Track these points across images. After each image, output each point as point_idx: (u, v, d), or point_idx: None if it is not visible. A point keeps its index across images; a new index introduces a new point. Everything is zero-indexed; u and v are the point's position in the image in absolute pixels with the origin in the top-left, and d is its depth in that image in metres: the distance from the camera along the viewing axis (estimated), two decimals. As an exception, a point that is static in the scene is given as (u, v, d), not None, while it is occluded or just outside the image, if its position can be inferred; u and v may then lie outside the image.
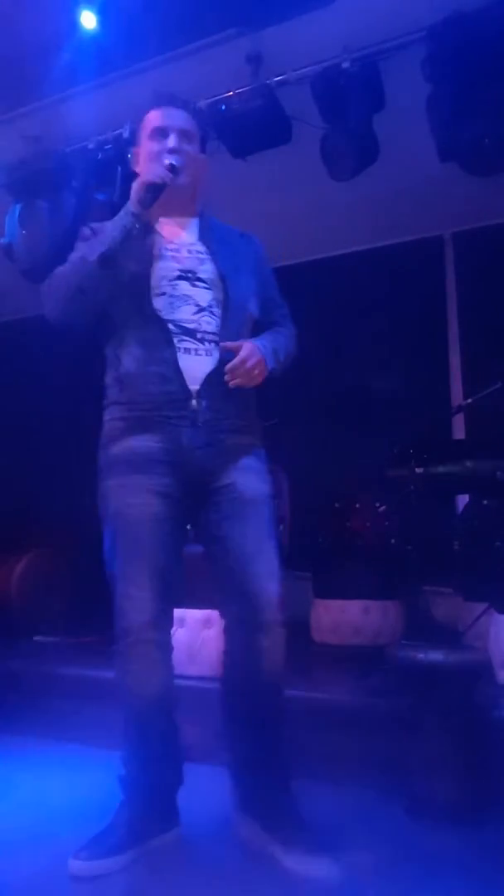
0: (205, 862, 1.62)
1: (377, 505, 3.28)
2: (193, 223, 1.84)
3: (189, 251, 1.77)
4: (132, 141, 3.43)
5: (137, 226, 1.67)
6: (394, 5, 2.85)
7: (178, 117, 1.80)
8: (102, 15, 2.99)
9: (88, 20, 3.00)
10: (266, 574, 1.65)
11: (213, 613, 2.13)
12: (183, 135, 1.78)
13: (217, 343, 1.71)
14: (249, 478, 1.71)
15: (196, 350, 1.70)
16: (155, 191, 1.65)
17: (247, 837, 1.65)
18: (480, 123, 2.86)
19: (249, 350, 1.67)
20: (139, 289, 1.71)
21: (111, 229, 1.70)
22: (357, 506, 3.41)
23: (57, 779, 2.20)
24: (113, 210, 3.59)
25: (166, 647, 1.70)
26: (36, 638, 3.66)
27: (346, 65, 3.03)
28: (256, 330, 1.83)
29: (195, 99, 3.28)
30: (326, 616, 3.41)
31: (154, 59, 3.17)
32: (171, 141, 1.76)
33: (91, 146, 3.61)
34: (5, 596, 3.78)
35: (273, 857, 1.56)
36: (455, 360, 4.32)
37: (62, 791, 2.08)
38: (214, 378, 1.68)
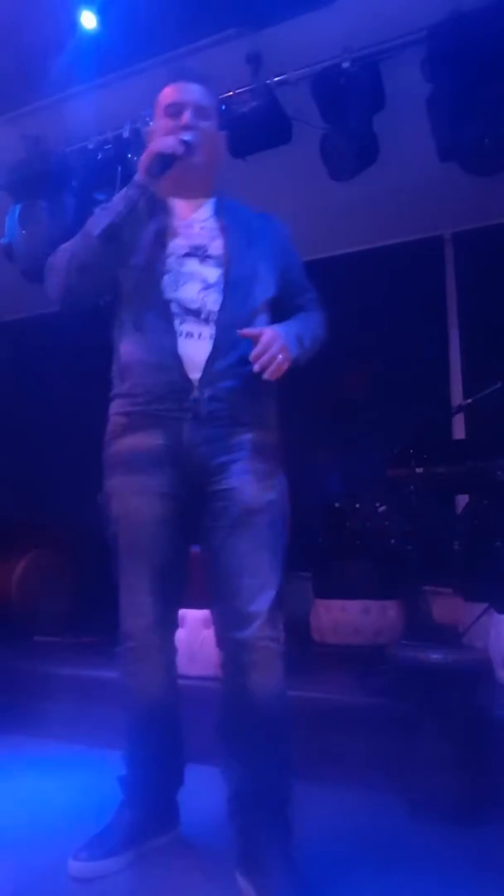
0: (203, 862, 1.62)
1: (377, 505, 3.28)
2: (209, 203, 1.73)
3: (202, 227, 1.67)
4: (132, 141, 3.47)
5: (143, 197, 1.59)
6: (394, 5, 2.85)
7: (193, 92, 1.69)
8: (102, 15, 2.98)
9: (88, 20, 3.00)
10: (253, 589, 1.50)
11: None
12: (199, 111, 1.68)
13: (216, 325, 1.57)
14: (251, 483, 1.55)
15: (199, 334, 1.57)
16: (164, 161, 1.56)
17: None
18: (480, 123, 2.86)
19: (271, 336, 1.52)
20: (147, 269, 1.61)
21: (116, 202, 1.62)
22: (357, 506, 3.41)
23: (57, 779, 2.19)
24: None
25: (168, 650, 1.67)
26: (36, 638, 3.66)
27: (346, 65, 3.03)
28: (278, 314, 1.71)
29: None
30: (326, 616, 3.41)
31: (154, 59, 3.17)
32: (186, 117, 1.66)
33: (91, 146, 3.61)
34: (5, 596, 3.78)
35: None
36: (455, 360, 4.32)
37: (62, 791, 2.08)
38: (215, 363, 1.55)
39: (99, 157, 3.59)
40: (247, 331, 1.54)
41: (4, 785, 2.16)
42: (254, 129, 3.23)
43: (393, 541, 3.11)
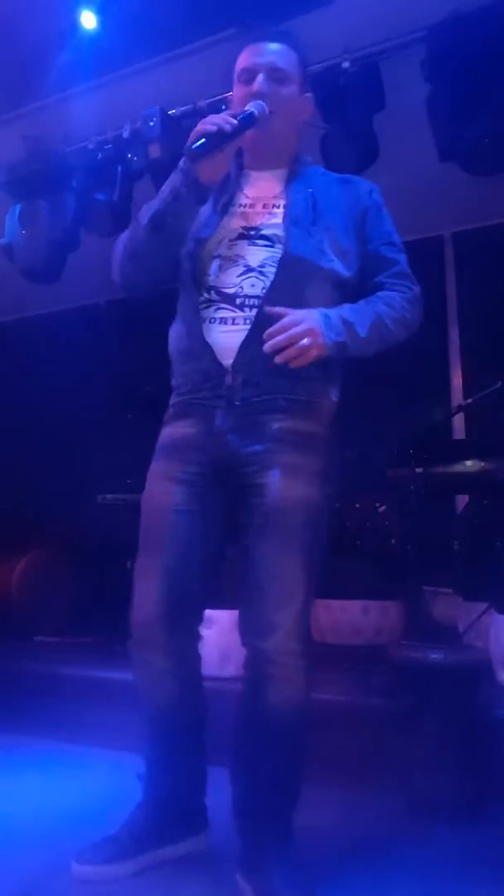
0: (204, 862, 1.62)
1: (377, 505, 3.28)
2: (283, 173, 1.59)
3: (265, 205, 1.54)
4: (132, 141, 3.47)
5: (186, 183, 1.46)
6: (394, 5, 2.85)
7: (268, 53, 1.54)
8: (102, 15, 2.99)
9: (88, 20, 3.00)
10: (280, 598, 1.42)
11: (214, 613, 2.12)
12: (273, 74, 1.53)
13: (258, 309, 1.45)
14: (286, 479, 1.43)
15: (233, 319, 1.47)
16: (207, 142, 1.39)
17: None
18: (480, 123, 2.86)
19: (296, 317, 1.38)
20: (195, 254, 1.53)
21: (163, 189, 1.52)
22: (357, 506, 3.41)
23: (57, 779, 2.19)
24: (112, 210, 3.60)
25: (181, 647, 1.54)
26: (36, 638, 3.66)
27: (346, 65, 3.03)
28: (354, 296, 1.55)
29: (196, 99, 3.31)
30: (326, 616, 3.41)
31: (154, 59, 3.18)
32: (257, 83, 1.51)
33: (91, 146, 3.61)
34: (5, 596, 3.78)
35: None
36: (455, 360, 4.32)
37: (62, 791, 2.08)
38: (250, 348, 1.43)
39: (99, 157, 3.59)
40: (272, 309, 1.41)
41: (4, 785, 2.16)
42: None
43: (393, 541, 3.11)
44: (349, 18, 2.92)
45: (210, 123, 1.40)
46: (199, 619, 1.58)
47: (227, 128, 1.40)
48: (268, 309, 1.41)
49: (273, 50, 1.55)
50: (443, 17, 2.81)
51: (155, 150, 3.31)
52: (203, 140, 1.39)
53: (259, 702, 1.44)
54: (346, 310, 1.48)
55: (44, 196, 3.70)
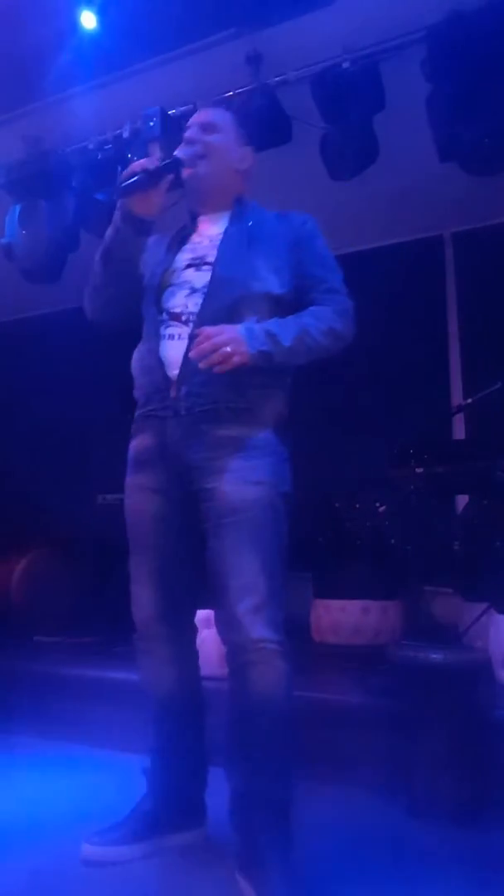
0: (205, 861, 1.62)
1: (377, 505, 3.28)
2: (227, 214, 1.77)
3: (211, 240, 1.73)
4: (132, 141, 3.47)
5: (122, 217, 1.65)
6: (394, 5, 2.85)
7: (202, 114, 1.82)
8: (102, 15, 2.98)
9: (88, 20, 2.99)
10: (239, 591, 1.50)
11: (213, 613, 2.13)
12: (203, 126, 1.76)
13: (194, 324, 1.61)
14: (233, 483, 1.54)
15: (179, 335, 1.62)
16: (130, 180, 1.59)
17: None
18: (480, 123, 2.86)
19: (219, 328, 1.51)
20: (150, 285, 1.72)
21: (109, 227, 1.70)
22: (357, 506, 3.41)
23: (57, 779, 2.20)
24: (112, 210, 3.60)
25: (180, 644, 1.70)
26: (36, 638, 3.66)
27: (346, 65, 3.03)
28: (289, 312, 1.66)
29: (196, 99, 3.31)
30: (326, 616, 3.41)
31: (154, 59, 3.17)
32: (188, 133, 1.77)
33: (91, 146, 3.61)
34: (5, 596, 3.78)
35: None
36: (455, 360, 4.32)
37: (62, 791, 2.08)
38: (191, 361, 1.55)
39: (99, 157, 3.59)
40: (202, 329, 1.53)
41: (4, 785, 2.16)
42: (254, 129, 3.21)
43: (393, 541, 3.11)
44: (349, 18, 2.92)
45: (137, 165, 1.61)
46: (193, 609, 1.74)
47: (150, 167, 1.60)
48: (198, 330, 1.54)
49: (206, 111, 1.84)
50: (443, 17, 2.81)
51: (155, 150, 3.31)
52: (131, 180, 1.59)
53: (244, 689, 1.51)
54: (271, 323, 1.60)
55: (44, 196, 3.71)
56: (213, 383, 1.55)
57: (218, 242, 1.71)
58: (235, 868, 1.48)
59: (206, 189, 1.76)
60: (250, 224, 1.73)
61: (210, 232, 1.76)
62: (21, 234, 3.77)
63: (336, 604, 3.38)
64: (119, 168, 3.49)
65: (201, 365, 1.50)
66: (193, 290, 1.65)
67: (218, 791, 1.65)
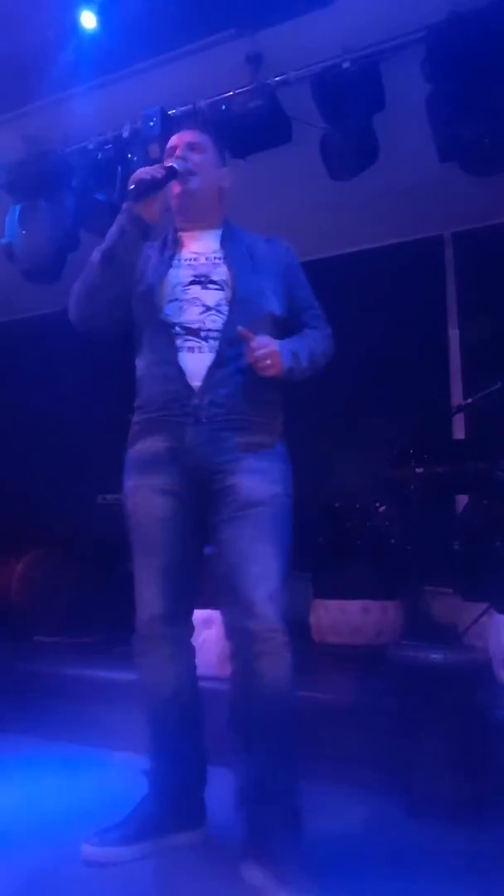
0: (208, 858, 1.62)
1: (377, 505, 3.28)
2: (216, 233, 1.87)
3: (207, 258, 1.81)
4: (132, 141, 3.47)
5: (130, 220, 1.72)
6: (394, 5, 2.85)
7: (186, 135, 1.89)
8: (102, 15, 2.99)
9: (88, 20, 3.00)
10: (257, 578, 1.59)
11: (214, 613, 2.13)
12: (190, 146, 1.85)
13: (219, 340, 1.71)
14: (252, 480, 1.66)
15: (199, 348, 1.71)
16: (141, 185, 1.68)
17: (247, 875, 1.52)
18: (480, 123, 2.86)
19: (263, 340, 1.68)
20: (149, 296, 1.77)
21: (111, 230, 1.76)
22: (357, 506, 3.41)
23: (57, 779, 2.20)
24: (112, 210, 3.60)
25: (180, 643, 1.74)
26: (36, 638, 3.66)
27: (346, 65, 3.03)
28: (283, 331, 1.82)
29: (196, 99, 3.32)
30: (326, 616, 3.41)
31: (154, 59, 3.18)
32: (178, 151, 1.85)
33: (91, 146, 3.61)
34: (5, 596, 3.78)
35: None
36: (455, 360, 4.32)
37: (62, 791, 2.08)
38: (215, 373, 1.69)
39: (99, 157, 3.59)
40: (244, 330, 1.68)
41: (4, 785, 2.16)
42: (254, 129, 3.23)
43: (393, 541, 3.11)
44: (349, 18, 2.92)
45: (144, 173, 1.70)
46: (191, 609, 1.78)
47: (158, 175, 1.71)
48: (240, 328, 1.68)
49: (189, 132, 1.90)
50: (443, 17, 2.81)
51: (155, 150, 3.31)
52: (140, 185, 1.69)
53: (253, 681, 1.57)
54: (292, 342, 1.78)
55: (44, 196, 3.70)
56: (234, 396, 1.70)
57: (215, 260, 1.80)
58: (242, 858, 1.51)
59: (195, 205, 1.85)
60: (245, 247, 1.85)
61: (202, 248, 1.83)
62: (21, 234, 3.77)
63: (336, 604, 3.38)
64: (119, 168, 3.50)
65: (250, 360, 1.66)
66: (207, 308, 1.74)
67: (217, 791, 1.66)
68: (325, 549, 3.49)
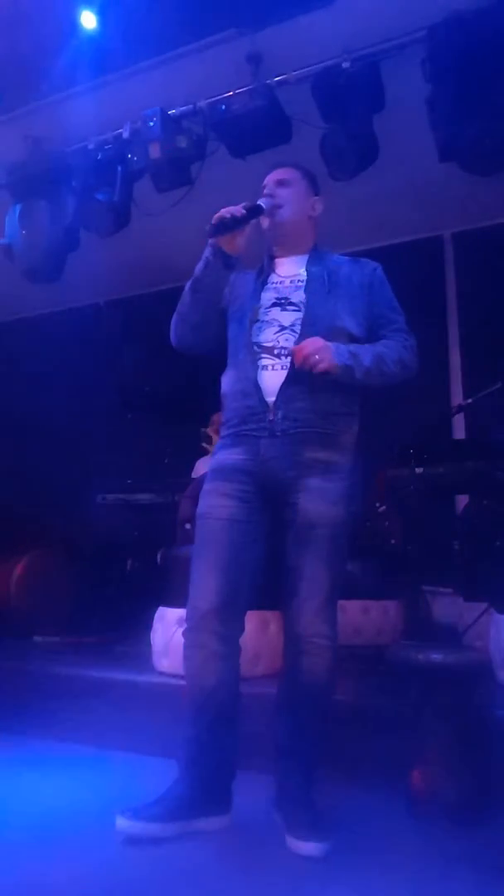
0: (215, 856, 1.62)
1: (377, 505, 3.28)
2: (303, 258, 1.98)
3: (291, 281, 1.94)
4: (132, 141, 3.47)
5: (213, 253, 1.86)
6: (394, 5, 2.85)
7: (276, 173, 2.01)
8: (102, 15, 2.99)
9: (88, 20, 3.00)
10: (309, 591, 1.76)
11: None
12: (279, 182, 1.98)
13: (292, 357, 1.80)
14: (314, 499, 1.77)
15: (273, 366, 1.83)
16: (219, 224, 1.81)
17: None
18: (480, 123, 2.87)
19: (307, 340, 1.77)
20: (240, 318, 1.92)
21: (200, 262, 1.90)
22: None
23: (57, 779, 2.20)
24: (112, 210, 3.61)
25: (226, 642, 1.78)
26: (36, 638, 3.66)
27: (346, 65, 3.04)
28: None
29: (196, 99, 3.32)
30: (326, 616, 3.41)
31: (154, 59, 3.18)
32: (266, 188, 1.98)
33: (91, 146, 3.61)
34: (5, 596, 3.78)
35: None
36: (455, 360, 4.32)
37: (62, 791, 2.08)
38: (289, 389, 1.79)
39: (99, 157, 3.59)
40: (295, 346, 1.79)
41: (5, 785, 2.16)
42: (254, 129, 3.23)
43: (393, 541, 3.11)
44: (349, 18, 2.92)
45: (226, 211, 1.82)
46: (245, 610, 1.84)
47: (238, 214, 1.82)
48: (293, 348, 1.79)
49: (280, 170, 2.02)
50: (443, 17, 2.81)
51: (155, 150, 3.32)
52: (219, 223, 1.81)
53: (295, 674, 1.79)
54: (356, 346, 1.86)
55: (44, 196, 3.71)
56: (306, 410, 1.79)
57: (297, 283, 1.92)
58: (270, 805, 1.76)
59: (284, 234, 1.97)
60: (329, 270, 1.95)
61: (288, 272, 1.96)
62: (21, 234, 3.77)
63: (336, 604, 3.38)
64: (119, 168, 3.50)
65: (296, 360, 1.75)
66: (282, 328, 1.86)
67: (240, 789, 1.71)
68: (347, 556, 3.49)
